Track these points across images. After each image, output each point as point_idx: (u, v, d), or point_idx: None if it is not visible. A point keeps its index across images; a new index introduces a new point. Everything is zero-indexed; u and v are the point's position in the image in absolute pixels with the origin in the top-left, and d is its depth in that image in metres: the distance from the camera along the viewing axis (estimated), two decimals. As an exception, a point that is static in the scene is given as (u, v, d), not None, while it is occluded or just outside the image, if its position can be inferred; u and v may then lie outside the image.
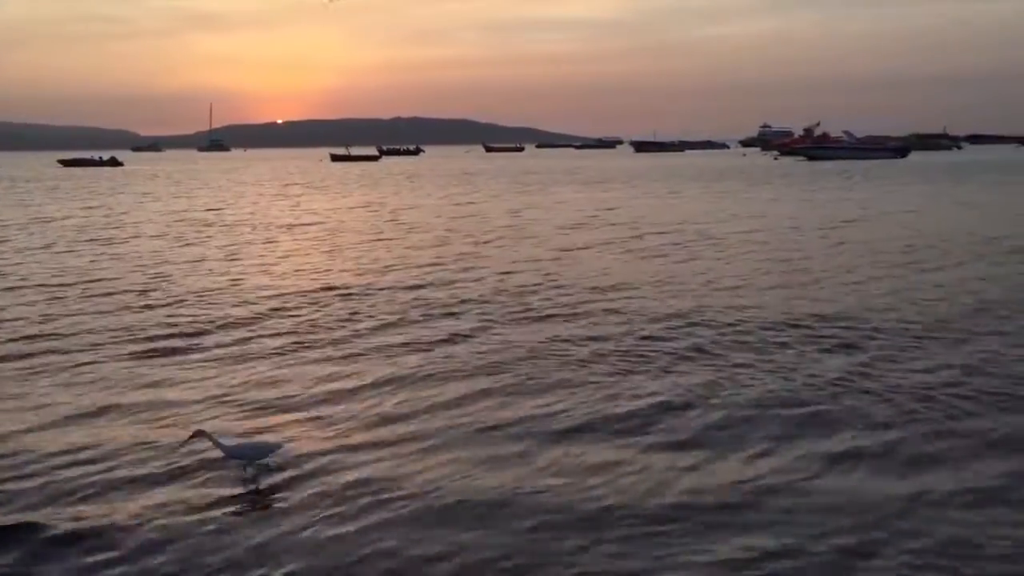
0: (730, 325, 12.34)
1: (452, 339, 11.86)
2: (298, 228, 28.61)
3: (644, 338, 11.69)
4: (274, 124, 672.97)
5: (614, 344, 11.39)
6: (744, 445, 7.78)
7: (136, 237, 26.16)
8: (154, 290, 16.19)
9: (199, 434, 7.27)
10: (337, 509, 6.61)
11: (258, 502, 6.77)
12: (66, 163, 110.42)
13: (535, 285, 16.02)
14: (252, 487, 7.03)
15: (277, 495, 6.88)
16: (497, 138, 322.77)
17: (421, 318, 13.34)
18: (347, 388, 9.70)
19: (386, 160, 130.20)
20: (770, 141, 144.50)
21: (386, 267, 18.74)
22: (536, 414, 8.68)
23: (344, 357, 11.02)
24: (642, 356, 10.80)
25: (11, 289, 16.52)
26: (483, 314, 13.50)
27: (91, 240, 25.19)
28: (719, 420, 8.43)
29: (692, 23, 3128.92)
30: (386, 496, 6.78)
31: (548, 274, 17.32)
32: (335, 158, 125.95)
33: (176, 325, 13.03)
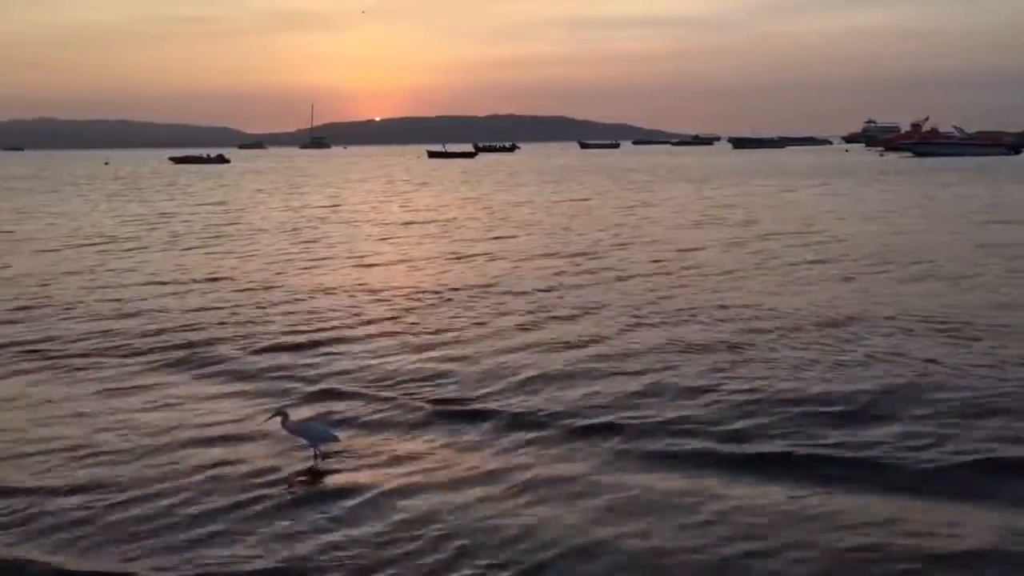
0: (920, 356, 10.57)
1: (602, 354, 11.37)
2: (414, 225, 28.77)
3: (818, 362, 10.44)
4: (372, 121, 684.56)
5: (790, 369, 10.13)
6: (963, 491, 6.99)
7: (258, 233, 26.72)
8: (279, 287, 16.43)
9: (282, 414, 7.56)
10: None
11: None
12: (177, 160, 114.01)
13: (665, 290, 15.62)
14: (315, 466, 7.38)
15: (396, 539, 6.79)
16: (594, 135, 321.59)
17: (556, 323, 13.11)
18: (485, 390, 9.51)
19: (482, 157, 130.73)
20: (875, 137, 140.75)
21: (508, 268, 18.54)
22: (707, 444, 7.96)
23: (482, 373, 10.37)
24: (818, 382, 9.65)
25: (142, 285, 16.89)
26: (624, 321, 13.13)
27: (218, 236, 25.79)
28: (930, 464, 7.45)
29: (786, 18, 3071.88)
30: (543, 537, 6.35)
31: (680, 279, 16.75)
32: (432, 155, 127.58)
33: (299, 326, 12.95)
